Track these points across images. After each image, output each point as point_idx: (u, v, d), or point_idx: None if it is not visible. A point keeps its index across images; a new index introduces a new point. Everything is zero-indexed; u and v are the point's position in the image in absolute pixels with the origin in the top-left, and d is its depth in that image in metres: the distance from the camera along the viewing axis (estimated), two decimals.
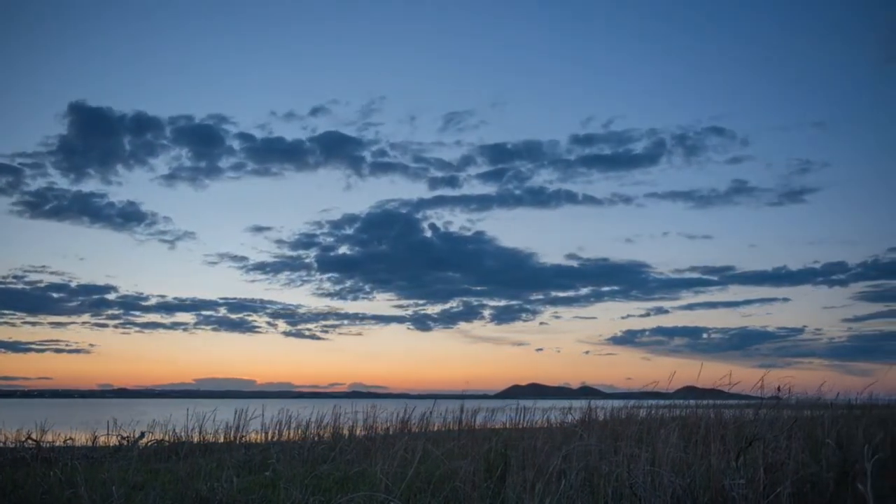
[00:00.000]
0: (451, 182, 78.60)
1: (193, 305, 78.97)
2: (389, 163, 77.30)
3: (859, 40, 77.05)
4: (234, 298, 78.91)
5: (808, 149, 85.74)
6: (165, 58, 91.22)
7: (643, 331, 77.22)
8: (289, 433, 13.28)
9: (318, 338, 79.64)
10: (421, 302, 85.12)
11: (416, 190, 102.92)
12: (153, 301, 77.05)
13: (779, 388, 10.30)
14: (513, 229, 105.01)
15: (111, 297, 75.74)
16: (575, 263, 79.57)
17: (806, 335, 68.48)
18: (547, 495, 5.42)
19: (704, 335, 72.52)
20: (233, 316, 78.58)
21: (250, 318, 79.62)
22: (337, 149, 77.75)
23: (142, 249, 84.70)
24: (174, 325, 77.73)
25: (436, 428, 13.12)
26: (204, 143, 76.25)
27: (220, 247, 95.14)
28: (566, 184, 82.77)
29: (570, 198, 76.39)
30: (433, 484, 6.58)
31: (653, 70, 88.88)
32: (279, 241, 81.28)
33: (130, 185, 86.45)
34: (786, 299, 76.34)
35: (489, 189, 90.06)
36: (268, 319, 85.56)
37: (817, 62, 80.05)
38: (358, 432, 13.26)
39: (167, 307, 78.68)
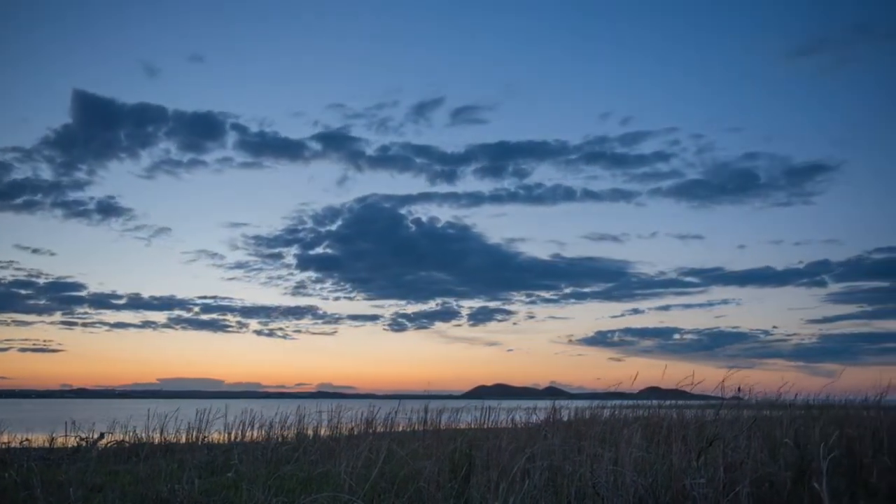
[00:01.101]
0: (450, 177, 77.84)
1: (167, 304, 78.01)
2: (390, 157, 76.60)
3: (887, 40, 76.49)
4: (211, 297, 78.28)
5: (825, 149, 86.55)
6: (181, 53, 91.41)
7: (614, 331, 77.16)
8: (252, 433, 13.16)
9: (291, 338, 79.00)
10: (401, 302, 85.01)
11: (413, 185, 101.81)
12: (125, 300, 75.80)
13: (739, 389, 10.49)
14: (503, 226, 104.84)
15: (82, 294, 74.27)
16: (560, 262, 79.23)
17: (775, 336, 68.63)
18: (511, 495, 5.43)
19: (676, 336, 72.64)
20: (205, 316, 77.67)
21: (223, 318, 78.75)
22: (336, 143, 77.09)
23: (117, 245, 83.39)
24: (145, 325, 76.63)
25: (401, 428, 13.10)
26: (199, 138, 75.66)
27: (199, 244, 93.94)
28: (568, 181, 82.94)
29: (569, 195, 75.54)
30: (397, 484, 6.56)
31: (673, 68, 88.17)
32: (259, 238, 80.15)
33: (114, 178, 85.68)
34: (759, 300, 77.38)
35: (486, 185, 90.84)
36: (240, 319, 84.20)
37: (844, 61, 79.05)
38: (322, 433, 13.18)
39: (140, 306, 77.72)
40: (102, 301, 74.99)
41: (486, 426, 12.14)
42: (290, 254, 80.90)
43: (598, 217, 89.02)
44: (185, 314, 78.40)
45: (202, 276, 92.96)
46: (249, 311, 78.55)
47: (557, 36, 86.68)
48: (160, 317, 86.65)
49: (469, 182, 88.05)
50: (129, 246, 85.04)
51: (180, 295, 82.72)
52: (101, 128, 72.99)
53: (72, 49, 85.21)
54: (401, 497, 6.32)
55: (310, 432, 13.17)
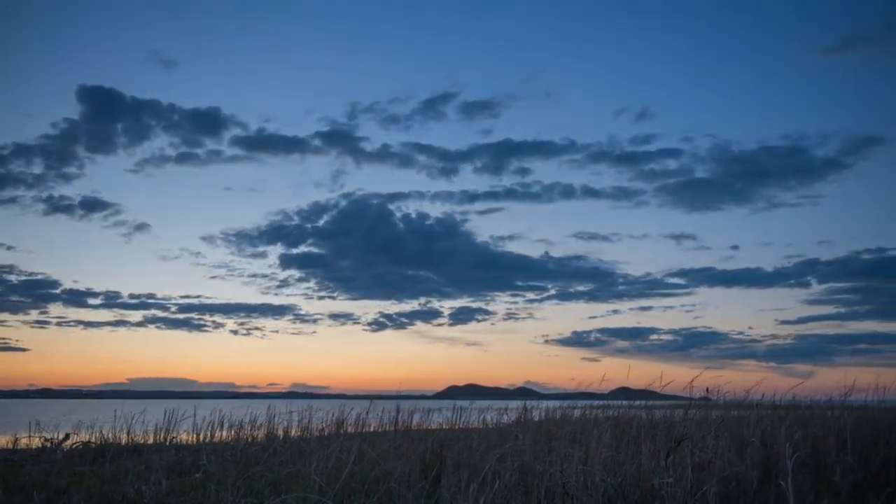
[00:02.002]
0: (450, 174, 75.77)
1: (145, 303, 76.51)
2: (392, 153, 74.52)
3: None
4: (190, 296, 77.10)
5: (842, 150, 79.56)
6: (192, 48, 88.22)
7: (590, 332, 76.09)
8: (221, 434, 13.03)
9: (268, 338, 77.98)
10: (384, 302, 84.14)
11: (411, 182, 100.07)
12: (101, 298, 74.16)
13: (707, 390, 10.61)
14: (494, 225, 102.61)
15: (55, 291, 72.57)
16: (548, 262, 77.48)
17: (750, 337, 67.63)
18: (481, 495, 5.44)
19: (653, 336, 71.95)
20: (182, 315, 76.20)
21: (200, 317, 77.38)
22: (337, 140, 75.01)
23: (96, 242, 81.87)
24: (119, 323, 75.11)
25: (372, 429, 13.06)
26: (199, 135, 73.62)
27: (181, 241, 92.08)
28: (570, 178, 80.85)
29: (568, 193, 73.36)
30: (368, 485, 6.54)
31: (697, 65, 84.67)
32: (244, 236, 77.93)
33: (104, 174, 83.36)
34: (741, 301, 76.88)
35: (483, 183, 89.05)
36: (218, 318, 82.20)
37: (877, 58, 75.84)
38: (293, 433, 13.09)
39: (117, 304, 76.00)
40: (76, 299, 73.34)
41: (457, 426, 12.14)
42: (275, 252, 79.79)
43: (595, 216, 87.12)
44: (159, 313, 77.33)
45: (183, 274, 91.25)
46: (228, 310, 77.26)
47: (580, 30, 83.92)
48: (136, 315, 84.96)
49: (468, 179, 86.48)
50: (109, 243, 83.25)
51: (159, 293, 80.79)
52: (103, 123, 71.54)
53: (80, 44, 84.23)
54: (371, 498, 6.29)
55: (280, 433, 13.08)
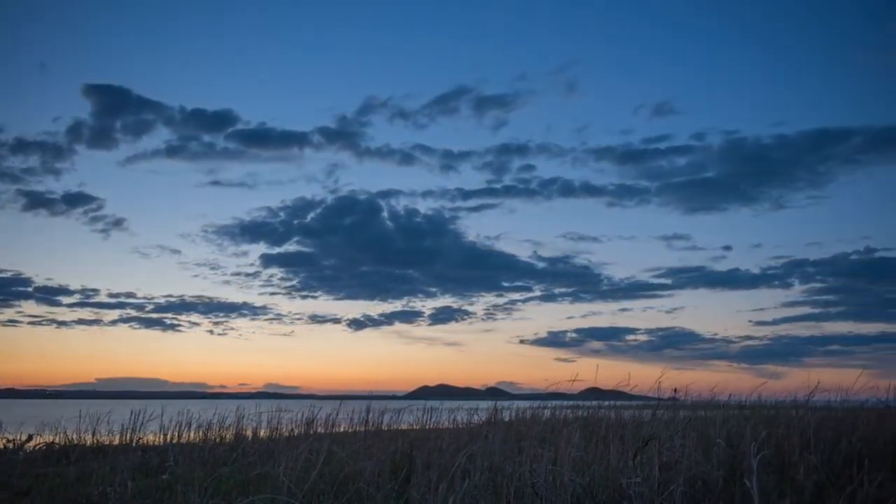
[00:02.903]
0: (449, 172, 76.14)
1: (122, 302, 75.77)
2: (393, 151, 74.48)
3: None
4: (168, 294, 76.86)
5: (858, 151, 78.88)
6: (202, 46, 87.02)
7: (567, 332, 76.61)
8: (189, 434, 12.89)
9: (245, 338, 77.15)
10: (367, 302, 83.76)
11: (409, 180, 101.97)
12: (77, 296, 73.12)
13: (675, 390, 10.74)
14: (486, 224, 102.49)
15: (28, 289, 71.65)
16: (535, 262, 77.85)
17: (725, 338, 68.93)
18: (451, 495, 5.45)
19: (629, 337, 72.30)
20: (159, 314, 75.26)
21: (177, 316, 76.33)
22: (337, 137, 75.20)
23: (74, 239, 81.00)
24: (92, 322, 74.10)
25: (342, 429, 13.01)
26: (201, 132, 74.10)
27: (163, 239, 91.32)
28: (570, 176, 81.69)
29: (567, 192, 73.10)
30: (337, 485, 6.50)
31: (719, 63, 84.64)
32: (229, 234, 77.30)
33: (96, 171, 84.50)
34: (722, 302, 78.08)
35: (479, 181, 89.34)
36: (195, 318, 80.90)
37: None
38: (262, 434, 12.99)
39: (94, 302, 74.93)
40: (49, 297, 72.38)
41: (427, 427, 12.13)
42: (258, 250, 79.15)
43: (591, 215, 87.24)
44: (134, 312, 76.58)
45: (164, 272, 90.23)
46: (207, 309, 76.22)
47: (607, 23, 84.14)
48: (111, 314, 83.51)
49: (468, 177, 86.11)
50: (87, 239, 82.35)
51: (140, 292, 79.83)
52: (105, 119, 71.51)
53: (88, 42, 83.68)
54: (340, 498, 6.26)
55: (248, 433, 12.97)
